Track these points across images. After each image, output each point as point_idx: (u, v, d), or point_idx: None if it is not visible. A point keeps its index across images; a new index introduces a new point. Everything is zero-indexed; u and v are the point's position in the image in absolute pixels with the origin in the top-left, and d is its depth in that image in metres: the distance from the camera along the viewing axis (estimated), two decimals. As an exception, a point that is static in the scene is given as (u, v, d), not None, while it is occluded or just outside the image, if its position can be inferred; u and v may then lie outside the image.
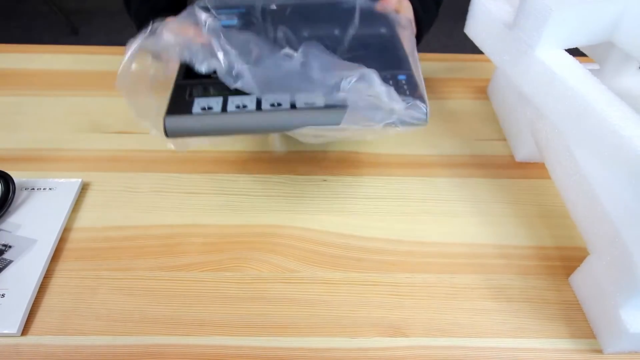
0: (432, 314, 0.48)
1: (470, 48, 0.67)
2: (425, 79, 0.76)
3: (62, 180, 0.58)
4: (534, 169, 0.62)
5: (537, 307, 0.49)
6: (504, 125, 0.68)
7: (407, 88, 0.47)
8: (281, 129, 0.47)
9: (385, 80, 0.45)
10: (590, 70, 0.49)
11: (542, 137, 0.56)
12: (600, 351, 0.46)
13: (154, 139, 0.64)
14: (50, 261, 0.51)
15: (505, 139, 0.67)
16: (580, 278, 0.50)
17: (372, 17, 0.56)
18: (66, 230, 0.54)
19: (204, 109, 0.46)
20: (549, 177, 0.56)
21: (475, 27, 0.61)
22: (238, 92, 0.46)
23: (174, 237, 0.54)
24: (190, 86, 0.49)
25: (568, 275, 0.52)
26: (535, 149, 0.60)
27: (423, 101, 0.46)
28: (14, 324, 0.45)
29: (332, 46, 0.51)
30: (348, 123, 0.46)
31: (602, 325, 0.46)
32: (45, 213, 0.54)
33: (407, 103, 0.45)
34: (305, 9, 0.55)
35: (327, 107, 0.45)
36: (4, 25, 2.12)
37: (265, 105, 0.46)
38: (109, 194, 0.58)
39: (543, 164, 0.57)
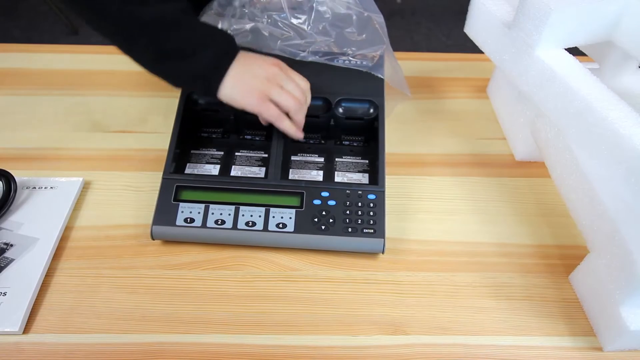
0: (432, 312, 0.49)
1: (470, 48, 0.67)
2: (426, 79, 0.77)
3: (63, 179, 0.58)
4: (534, 168, 0.63)
5: (538, 305, 0.49)
6: (503, 124, 0.68)
7: (372, 216, 0.52)
8: (254, 245, 0.53)
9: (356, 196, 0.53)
10: (590, 69, 0.49)
11: (542, 136, 0.56)
12: (600, 349, 0.46)
13: (154, 139, 0.64)
14: (52, 260, 0.51)
15: (505, 138, 0.67)
16: (581, 276, 0.50)
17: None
18: (67, 229, 0.54)
19: (186, 220, 0.51)
20: (548, 176, 0.56)
21: (475, 27, 0.61)
22: (218, 200, 0.52)
23: (175, 236, 0.54)
24: (176, 183, 0.53)
25: (568, 273, 0.52)
26: (535, 147, 0.60)
27: (381, 235, 0.51)
28: (16, 322, 0.45)
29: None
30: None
31: (602, 323, 0.46)
32: (46, 212, 0.54)
33: (367, 237, 0.51)
34: None
35: (297, 231, 0.51)
36: (4, 25, 2.12)
37: (241, 224, 0.51)
38: (110, 192, 0.58)
39: (543, 162, 0.58)
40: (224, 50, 0.51)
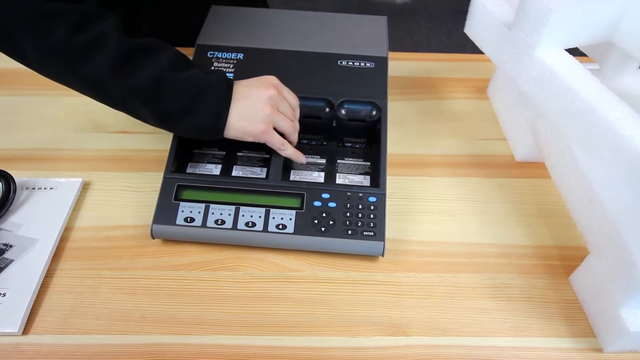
0: (432, 313, 0.48)
1: (470, 48, 0.67)
2: (426, 79, 0.77)
3: (63, 179, 0.58)
4: (534, 169, 0.63)
5: (538, 306, 0.49)
6: (504, 124, 0.68)
7: (372, 219, 0.52)
8: (253, 245, 0.53)
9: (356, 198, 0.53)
10: (590, 70, 0.49)
11: (542, 137, 0.56)
12: (600, 350, 0.46)
13: (154, 139, 0.64)
14: (51, 260, 0.51)
15: (505, 139, 0.67)
16: (581, 277, 0.50)
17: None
18: (67, 230, 0.54)
19: (186, 220, 0.51)
20: (548, 177, 0.56)
21: (475, 27, 0.61)
22: (219, 200, 0.52)
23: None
24: (177, 182, 0.53)
25: (568, 274, 0.52)
26: (535, 148, 0.60)
27: (381, 238, 0.51)
28: (15, 323, 0.45)
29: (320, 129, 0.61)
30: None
31: (603, 324, 0.46)
32: (46, 212, 0.54)
33: (367, 240, 0.51)
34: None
35: (296, 233, 0.51)
36: (3, 25, 2.12)
37: (240, 224, 0.51)
38: (110, 193, 0.58)
39: (543, 163, 0.58)
40: (221, 94, 0.51)
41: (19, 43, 0.48)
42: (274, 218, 0.51)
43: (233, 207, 0.52)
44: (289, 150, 0.55)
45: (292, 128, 0.55)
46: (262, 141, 0.53)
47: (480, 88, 0.75)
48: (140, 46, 0.50)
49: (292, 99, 0.56)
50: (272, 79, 0.55)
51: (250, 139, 0.53)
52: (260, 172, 0.56)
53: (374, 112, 0.59)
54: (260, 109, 0.52)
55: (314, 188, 0.53)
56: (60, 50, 0.48)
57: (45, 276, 0.50)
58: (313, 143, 0.61)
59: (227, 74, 0.58)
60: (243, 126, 0.52)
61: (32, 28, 0.47)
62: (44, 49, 0.48)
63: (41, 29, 0.47)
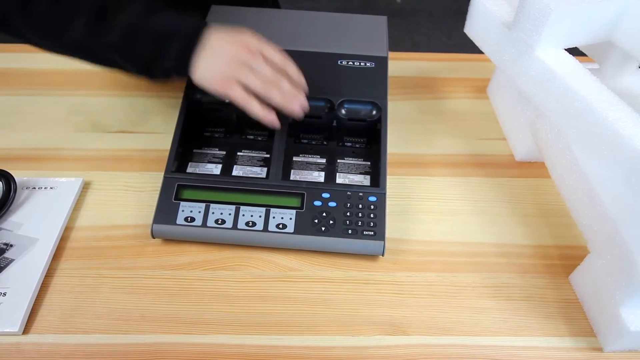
0: (432, 312, 0.49)
1: (470, 48, 0.67)
2: (426, 79, 0.77)
3: (63, 179, 0.58)
4: (534, 168, 0.63)
5: (538, 306, 0.49)
6: (504, 124, 0.68)
7: (372, 218, 0.52)
8: (254, 245, 0.53)
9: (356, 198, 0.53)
10: (590, 69, 0.49)
11: (542, 137, 0.56)
12: (600, 349, 0.46)
13: (154, 139, 0.64)
14: (52, 260, 0.51)
15: (505, 138, 0.67)
16: (581, 276, 0.50)
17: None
18: (67, 229, 0.54)
19: (187, 219, 0.51)
20: (548, 177, 0.56)
21: (475, 27, 0.61)
22: (219, 200, 0.52)
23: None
24: (178, 182, 0.53)
25: (568, 273, 0.52)
26: (535, 148, 0.60)
27: (382, 238, 0.51)
28: (16, 323, 0.45)
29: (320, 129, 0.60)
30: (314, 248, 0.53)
31: (603, 323, 0.46)
32: (46, 212, 0.54)
33: (367, 240, 0.51)
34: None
35: (296, 232, 0.51)
36: (3, 25, 2.12)
37: (241, 224, 0.51)
38: (110, 193, 0.58)
39: (543, 163, 0.58)
40: (185, 40, 0.50)
41: (17, 27, 0.51)
42: (274, 218, 0.52)
43: (233, 207, 0.52)
44: (252, 105, 0.51)
45: (263, 85, 0.50)
46: (222, 95, 0.51)
47: (480, 88, 0.75)
48: (112, 1, 0.50)
49: (277, 57, 0.52)
50: (249, 40, 0.51)
51: (209, 90, 0.51)
52: (260, 172, 0.56)
53: (374, 112, 0.59)
54: (225, 66, 0.50)
55: (314, 188, 0.53)
56: (47, 24, 0.50)
57: (45, 276, 0.50)
58: (313, 143, 0.61)
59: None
60: (205, 77, 0.51)
61: (22, 13, 0.50)
62: (35, 26, 0.51)
63: (28, 10, 0.49)
